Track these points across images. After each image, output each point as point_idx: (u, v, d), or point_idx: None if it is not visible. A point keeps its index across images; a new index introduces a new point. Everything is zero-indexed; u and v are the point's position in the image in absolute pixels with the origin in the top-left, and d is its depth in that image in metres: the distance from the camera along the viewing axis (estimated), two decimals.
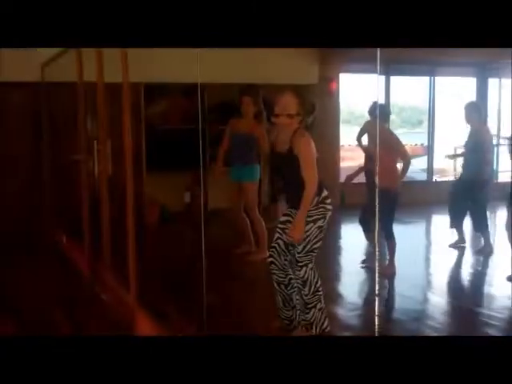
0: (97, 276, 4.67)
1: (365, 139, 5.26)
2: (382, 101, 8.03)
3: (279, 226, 3.56)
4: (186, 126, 7.43)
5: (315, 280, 3.42)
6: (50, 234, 6.62)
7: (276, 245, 3.49)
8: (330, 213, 3.42)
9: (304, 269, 3.38)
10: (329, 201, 3.42)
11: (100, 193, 4.43)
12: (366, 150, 5.18)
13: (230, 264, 5.31)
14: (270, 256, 3.52)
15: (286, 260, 3.49)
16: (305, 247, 3.37)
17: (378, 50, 2.45)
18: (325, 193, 3.43)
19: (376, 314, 2.78)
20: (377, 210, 3.05)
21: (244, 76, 6.92)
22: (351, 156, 8.70)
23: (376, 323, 2.60)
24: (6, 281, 4.87)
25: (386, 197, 4.20)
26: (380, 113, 4.85)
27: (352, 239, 6.44)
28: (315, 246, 3.40)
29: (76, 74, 4.93)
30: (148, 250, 5.83)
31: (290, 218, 3.49)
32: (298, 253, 3.38)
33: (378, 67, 2.67)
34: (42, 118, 6.88)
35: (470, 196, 5.76)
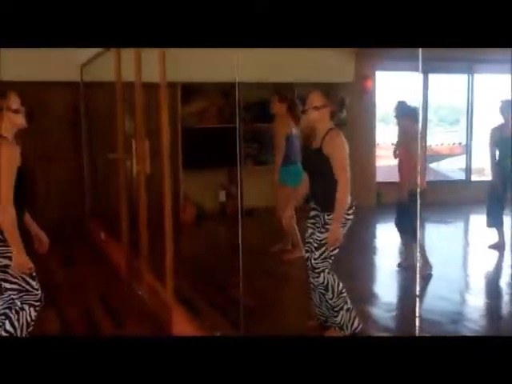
0: (134, 273, 4.74)
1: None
2: (419, 99, 7.91)
3: (309, 221, 3.54)
4: (221, 125, 7.49)
5: (336, 283, 3.39)
6: (90, 231, 6.75)
7: (311, 240, 3.47)
8: (350, 222, 3.39)
9: (322, 275, 3.36)
10: (351, 211, 3.37)
11: (138, 191, 4.49)
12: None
13: (266, 262, 5.32)
14: (308, 251, 3.50)
15: (309, 259, 3.47)
16: (322, 253, 3.34)
17: (420, 50, 2.42)
18: (350, 202, 3.37)
19: (417, 315, 2.75)
20: (418, 211, 3.01)
21: (280, 75, 6.93)
22: (387, 154, 8.61)
23: (417, 325, 2.57)
24: (54, 279, 4.98)
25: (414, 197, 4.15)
26: (409, 112, 4.79)
27: (388, 239, 6.38)
28: (332, 253, 3.37)
29: (114, 73, 5.01)
30: (183, 249, 5.89)
31: (317, 212, 3.48)
32: (315, 259, 3.35)
33: (420, 66, 2.63)
34: (81, 117, 7.03)
35: (506, 194, 5.64)
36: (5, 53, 6.27)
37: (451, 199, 7.96)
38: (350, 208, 3.36)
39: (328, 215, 3.32)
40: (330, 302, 3.39)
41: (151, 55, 3.89)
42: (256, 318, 3.73)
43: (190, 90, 7.28)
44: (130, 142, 4.63)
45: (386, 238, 6.65)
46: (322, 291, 3.40)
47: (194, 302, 3.97)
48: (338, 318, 3.40)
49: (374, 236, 7.03)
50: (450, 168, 10.19)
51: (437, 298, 4.34)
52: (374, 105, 8.46)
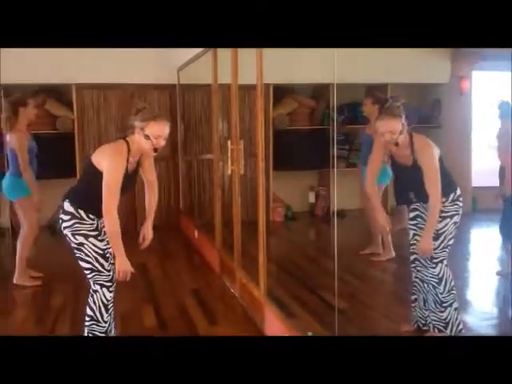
0: (227, 270, 4.85)
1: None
2: None
3: (410, 222, 3.50)
4: (312, 127, 7.50)
5: (450, 278, 3.35)
6: (184, 229, 6.97)
7: (416, 241, 3.43)
8: (461, 210, 3.35)
9: (439, 265, 3.32)
10: (461, 199, 3.37)
11: (232, 191, 4.59)
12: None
13: (356, 264, 5.28)
14: (413, 253, 3.46)
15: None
16: (442, 243, 3.31)
17: None
18: (458, 191, 3.36)
19: None
20: None
21: (374, 76, 6.85)
22: (483, 158, 8.29)
23: None
24: (149, 274, 5.19)
25: None
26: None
27: (485, 245, 6.15)
28: (450, 243, 3.34)
29: (212, 75, 5.15)
30: (273, 249, 5.95)
31: (418, 213, 3.44)
32: (434, 249, 3.31)
33: None
34: (177, 118, 7.28)
35: None
36: (106, 56, 6.64)
37: None
38: (460, 196, 3.34)
39: (443, 202, 3.28)
40: (439, 296, 3.34)
41: (245, 57, 3.98)
42: (347, 320, 3.71)
43: (281, 92, 7.33)
44: (224, 143, 4.74)
45: (483, 244, 6.42)
46: (434, 283, 3.35)
47: (285, 301, 4.00)
48: (445, 314, 3.34)
49: (468, 242, 6.79)
50: None
51: None
52: (470, 106, 8.17)
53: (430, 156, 3.24)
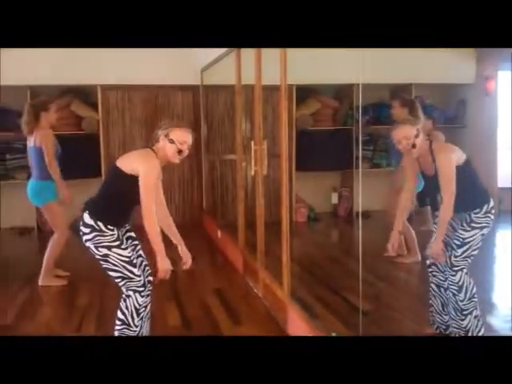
0: (250, 270, 4.86)
1: None
2: None
3: (435, 226, 3.47)
4: (336, 127, 7.48)
5: (471, 286, 3.32)
6: (206, 229, 7.00)
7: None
8: (492, 223, 3.32)
9: (459, 273, 3.30)
10: (494, 211, 3.32)
11: (255, 191, 4.59)
12: None
13: (380, 266, 5.24)
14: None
15: (449, 256, 3.40)
16: (465, 252, 3.28)
17: None
18: (492, 202, 3.32)
19: None
20: None
21: (398, 76, 6.81)
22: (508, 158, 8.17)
23: None
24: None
25: None
26: None
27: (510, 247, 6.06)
28: (474, 253, 3.31)
29: (235, 76, 5.16)
30: (295, 249, 5.94)
31: None
32: (456, 256, 3.29)
33: None
34: (200, 118, 7.32)
35: None
36: (130, 57, 6.70)
37: None
38: (493, 208, 3.30)
39: (476, 213, 3.26)
40: (459, 303, 3.32)
41: (268, 58, 3.98)
42: (371, 322, 3.70)
43: (304, 92, 7.32)
44: (247, 144, 4.75)
45: (508, 245, 6.33)
46: (454, 291, 3.32)
47: (308, 302, 3.99)
48: (465, 322, 3.31)
49: (494, 245, 6.70)
50: None
51: None
52: (495, 107, 8.06)
53: (445, 160, 3.21)
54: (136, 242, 3.19)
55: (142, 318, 3.10)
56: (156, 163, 2.98)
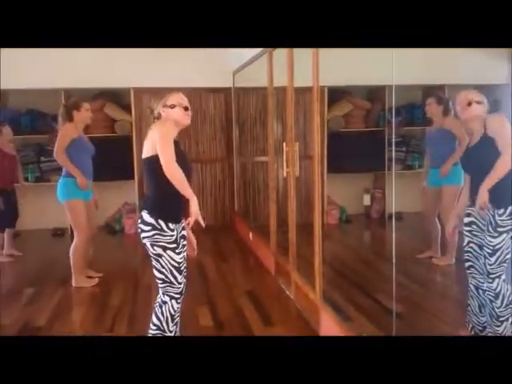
0: (282, 272, 4.85)
1: None
2: None
3: (465, 228, 3.41)
4: (368, 129, 7.42)
5: (508, 293, 3.25)
6: (238, 230, 7.02)
7: (470, 249, 3.35)
8: None
9: (497, 280, 3.24)
10: None
11: (286, 193, 4.59)
12: None
13: (413, 269, 5.19)
14: (468, 260, 3.38)
15: (484, 263, 3.34)
16: (498, 258, 3.21)
17: None
18: None
19: None
20: None
21: (431, 77, 6.72)
22: None
23: None
24: (206, 275, 5.25)
25: None
26: None
27: None
28: (508, 257, 3.24)
29: (267, 78, 5.17)
30: (328, 251, 5.91)
31: (473, 219, 3.34)
32: (490, 264, 3.23)
33: None
34: (232, 120, 7.35)
35: None
36: (163, 60, 6.77)
37: None
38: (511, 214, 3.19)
39: (500, 214, 3.18)
40: (496, 310, 3.26)
41: (300, 60, 3.97)
42: (404, 324, 3.66)
43: (336, 94, 7.29)
44: (279, 145, 4.75)
45: None
46: (491, 297, 3.27)
47: (340, 304, 3.97)
48: (501, 329, 3.25)
49: None
50: None
51: None
52: None
53: (502, 125, 3.22)
54: (186, 242, 3.16)
55: (176, 324, 3.11)
56: (169, 123, 2.97)
